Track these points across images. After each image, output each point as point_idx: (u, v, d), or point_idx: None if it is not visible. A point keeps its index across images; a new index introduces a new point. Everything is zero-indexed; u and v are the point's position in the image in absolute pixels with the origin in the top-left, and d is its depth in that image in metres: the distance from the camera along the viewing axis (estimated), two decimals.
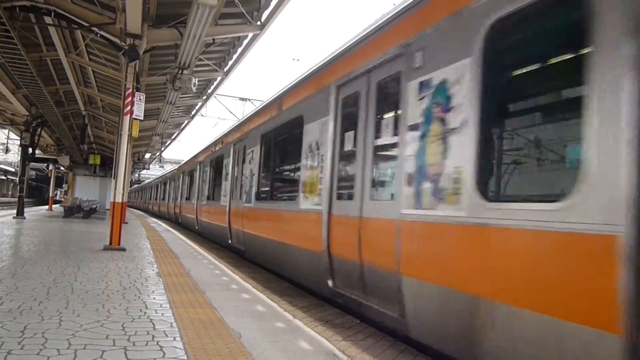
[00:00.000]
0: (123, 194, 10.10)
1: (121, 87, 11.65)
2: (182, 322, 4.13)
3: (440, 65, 4.02)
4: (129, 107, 9.63)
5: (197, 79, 12.64)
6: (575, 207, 2.67)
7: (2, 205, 37.82)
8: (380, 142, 5.05)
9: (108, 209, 21.75)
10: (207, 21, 8.52)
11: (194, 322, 4.13)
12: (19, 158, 22.89)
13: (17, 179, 24.05)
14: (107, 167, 29.10)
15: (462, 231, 3.60)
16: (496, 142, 3.74)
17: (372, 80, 5.23)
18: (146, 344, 3.44)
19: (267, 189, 9.31)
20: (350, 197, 5.47)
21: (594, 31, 2.69)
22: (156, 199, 37.03)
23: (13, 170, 57.93)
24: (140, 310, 4.44)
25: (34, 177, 55.41)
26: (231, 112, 27.47)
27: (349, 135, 5.71)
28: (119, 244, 9.38)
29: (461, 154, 3.65)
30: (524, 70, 3.79)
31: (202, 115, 26.45)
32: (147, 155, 37.18)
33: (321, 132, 6.34)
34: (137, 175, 58.19)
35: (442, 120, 3.90)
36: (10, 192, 67.08)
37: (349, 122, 5.77)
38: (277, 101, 8.85)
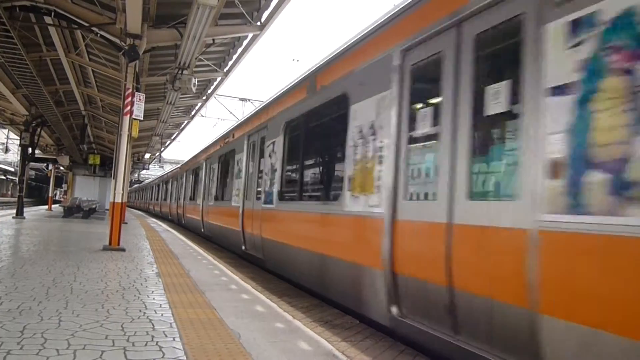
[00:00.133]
0: (123, 194, 10.09)
1: (121, 87, 11.65)
2: (182, 322, 4.13)
3: None
4: (128, 107, 9.63)
5: (197, 79, 12.63)
6: None
7: (1, 205, 37.79)
8: (487, 114, 3.61)
9: (107, 209, 21.77)
10: (207, 21, 8.52)
11: (193, 323, 4.13)
12: (19, 158, 22.88)
13: (17, 178, 24.04)
14: (106, 167, 29.10)
15: None
16: None
17: (466, 33, 3.88)
18: (145, 345, 3.44)
19: (295, 187, 7.84)
20: (430, 196, 4.12)
21: None
22: (157, 199, 35.70)
23: (13, 170, 57.91)
24: (140, 311, 4.44)
25: (33, 177, 55.37)
26: (231, 113, 27.48)
27: (424, 113, 4.36)
28: (118, 244, 9.38)
29: None
30: None
31: (202, 116, 26.46)
32: (147, 156, 37.16)
33: (378, 112, 4.95)
34: (136, 175, 58.14)
35: (628, 73, 2.59)
36: (9, 192, 67.05)
37: (423, 95, 4.50)
38: (308, 80, 7.29)
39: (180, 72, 11.52)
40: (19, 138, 21.94)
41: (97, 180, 31.66)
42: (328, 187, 6.85)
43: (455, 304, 3.67)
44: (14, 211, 19.52)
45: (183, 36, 9.81)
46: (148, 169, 49.78)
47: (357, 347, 4.54)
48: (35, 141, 20.46)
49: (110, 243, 9.38)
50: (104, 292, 5.18)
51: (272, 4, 10.71)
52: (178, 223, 23.48)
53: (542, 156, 3.03)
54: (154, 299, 5.05)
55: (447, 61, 4.06)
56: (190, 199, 19.44)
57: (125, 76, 10.07)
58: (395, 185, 4.50)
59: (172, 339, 3.63)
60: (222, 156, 13.86)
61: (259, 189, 9.30)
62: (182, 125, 27.43)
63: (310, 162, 7.81)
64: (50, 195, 33.79)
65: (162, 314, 4.38)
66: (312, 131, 7.63)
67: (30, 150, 20.13)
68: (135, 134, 10.01)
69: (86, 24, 10.32)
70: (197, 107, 22.29)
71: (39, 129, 20.29)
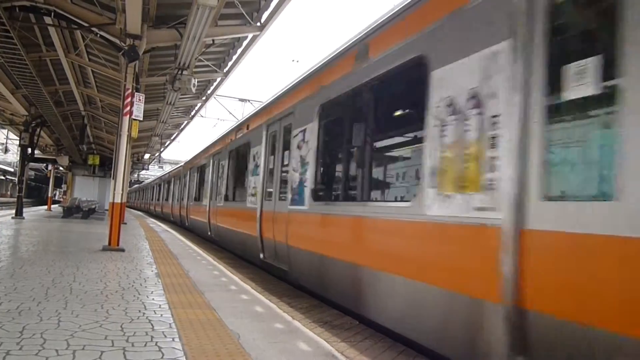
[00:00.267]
0: (122, 195, 10.09)
1: (121, 87, 11.65)
2: (181, 323, 4.13)
3: None
4: (128, 108, 9.63)
5: (196, 80, 12.64)
6: None
7: (1, 206, 37.77)
8: None
9: (107, 210, 21.74)
10: (207, 22, 8.53)
11: (192, 323, 4.13)
12: (18, 158, 22.87)
13: (16, 179, 24.03)
14: (106, 167, 29.10)
15: None
16: None
17: None
18: (145, 345, 3.44)
19: (337, 185, 6.60)
20: (600, 193, 2.81)
21: None
22: (158, 200, 34.01)
23: (12, 170, 57.89)
24: (139, 311, 4.44)
25: (33, 177, 55.36)
26: (230, 113, 27.49)
27: (582, 67, 2.86)
28: (117, 245, 9.37)
29: None
30: None
31: (202, 116, 26.46)
32: (147, 156, 37.17)
33: (486, 74, 3.51)
34: (136, 175, 58.10)
35: None
36: (9, 192, 67.02)
37: (575, 41, 3.18)
38: (358, 48, 5.75)
39: (180, 72, 11.53)
40: (18, 138, 21.94)
41: (96, 180, 31.68)
42: (390, 184, 5.67)
43: None
44: (14, 211, 19.51)
45: (183, 36, 9.82)
46: (148, 169, 49.77)
47: (356, 347, 4.54)
48: (35, 141, 20.46)
49: (109, 243, 9.37)
50: (103, 293, 5.17)
51: (272, 5, 10.74)
52: (181, 225, 21.94)
53: None
54: (153, 299, 5.05)
55: None
56: (195, 199, 18.03)
57: (124, 76, 10.07)
58: (525, 179, 3.06)
59: (171, 339, 3.63)
60: (234, 151, 12.31)
61: (283, 188, 7.87)
62: (182, 126, 27.45)
63: (362, 151, 5.82)
64: (49, 195, 33.76)
65: (161, 315, 4.38)
66: (363, 112, 5.94)
67: (29, 150, 20.13)
68: (134, 134, 10.01)
69: (86, 24, 10.33)
70: (196, 108, 22.31)
71: (38, 129, 20.29)
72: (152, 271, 7.00)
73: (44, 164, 39.54)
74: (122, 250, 9.23)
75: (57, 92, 17.56)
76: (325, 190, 6.67)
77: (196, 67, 13.53)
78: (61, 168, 36.09)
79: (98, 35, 10.63)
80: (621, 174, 2.50)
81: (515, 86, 3.20)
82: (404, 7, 4.86)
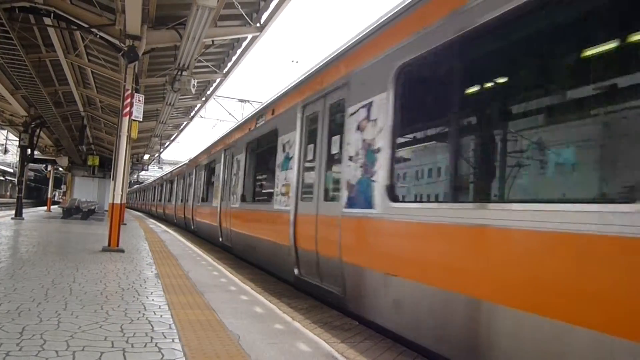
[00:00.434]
0: (122, 195, 10.09)
1: (120, 88, 11.66)
2: (181, 323, 4.13)
3: None
4: (128, 109, 9.63)
5: (196, 81, 12.65)
6: None
7: (0, 206, 37.77)
8: None
9: (107, 210, 21.74)
10: (207, 23, 8.53)
11: (192, 324, 4.13)
12: (18, 159, 22.87)
13: (16, 179, 24.03)
14: (105, 168, 29.13)
15: None
16: None
17: None
18: (145, 346, 3.44)
19: (442, 178, 4.42)
20: None
21: None
22: (160, 201, 31.87)
23: (12, 171, 57.88)
24: (139, 312, 4.44)
25: (32, 178, 55.37)
26: (230, 114, 27.49)
27: None
28: (117, 246, 9.37)
29: None
30: None
31: (201, 117, 26.47)
32: (146, 157, 37.17)
33: None
34: (135, 176, 58.07)
35: None
36: (8, 193, 67.01)
37: None
38: None
39: (179, 73, 11.53)
40: (18, 139, 21.93)
41: (96, 181, 31.72)
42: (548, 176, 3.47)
43: None
44: (13, 212, 19.50)
45: (182, 37, 9.83)
46: (147, 170, 49.78)
47: (356, 348, 4.54)
48: (35, 142, 20.47)
49: (109, 244, 9.37)
50: (103, 294, 5.17)
51: (272, 6, 10.75)
52: (185, 228, 20.00)
53: None
54: (153, 300, 5.04)
55: None
56: (203, 200, 16.07)
57: (124, 77, 10.08)
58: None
59: (171, 340, 3.63)
60: (254, 142, 10.42)
61: (333, 185, 6.14)
62: (182, 126, 27.46)
63: (485, 127, 4.02)
64: (49, 196, 33.76)
65: (161, 315, 4.38)
66: (489, 68, 4.01)
67: (29, 151, 20.13)
68: (134, 135, 10.01)
69: (85, 25, 10.34)
70: (196, 108, 22.33)
71: (38, 130, 20.30)
72: (151, 272, 7.00)
73: (44, 165, 39.49)
74: (122, 251, 9.22)
75: (56, 93, 17.58)
76: (416, 186, 4.79)
77: (196, 67, 13.56)
78: (61, 169, 36.14)
79: (98, 36, 10.65)
80: None
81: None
82: None
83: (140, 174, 57.07)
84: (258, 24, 11.31)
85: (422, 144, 5.00)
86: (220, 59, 15.09)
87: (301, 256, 6.81)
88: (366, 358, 4.29)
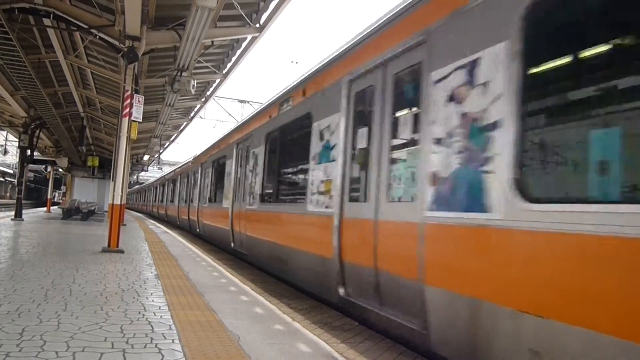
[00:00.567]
0: (121, 196, 10.09)
1: (120, 89, 11.67)
2: (181, 324, 4.13)
3: None
4: (127, 109, 9.63)
5: (195, 81, 12.65)
6: None
7: (0, 207, 37.76)
8: None
9: (106, 211, 21.73)
10: (206, 23, 8.54)
11: (192, 325, 4.13)
12: (18, 160, 22.87)
13: (16, 180, 24.03)
14: (105, 169, 29.13)
15: None
16: None
17: None
18: (145, 347, 3.44)
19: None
20: None
21: None
22: (162, 201, 30.38)
23: (11, 172, 57.88)
24: (139, 313, 4.44)
25: (32, 179, 55.36)
26: (230, 115, 27.50)
27: None
28: (117, 246, 9.37)
29: None
30: None
31: (201, 117, 26.47)
32: (146, 157, 37.16)
33: None
34: (135, 177, 58.02)
35: None
36: (8, 194, 66.99)
37: None
38: None
39: (179, 73, 11.54)
40: (17, 140, 21.94)
41: (95, 182, 31.72)
42: None
43: None
44: (13, 213, 19.49)
45: (182, 38, 9.83)
46: (147, 170, 49.77)
47: (356, 348, 4.54)
48: (34, 143, 20.47)
49: (109, 245, 9.36)
50: (102, 294, 5.17)
51: (271, 6, 10.75)
52: (190, 231, 18.68)
53: None
54: (153, 301, 5.04)
55: None
56: (211, 200, 14.63)
57: (124, 78, 10.08)
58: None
59: (171, 341, 3.63)
60: (276, 133, 8.75)
61: (405, 180, 4.65)
62: (181, 127, 27.45)
63: None
64: (49, 197, 33.76)
65: (161, 316, 4.38)
66: None
67: (29, 152, 20.14)
68: (134, 135, 10.01)
69: (85, 26, 10.34)
70: (196, 109, 22.32)
71: (37, 131, 20.30)
72: (151, 273, 7.00)
73: (43, 166, 39.51)
74: (122, 251, 9.22)
75: (56, 94, 17.57)
76: (576, 180, 3.11)
77: (195, 68, 13.56)
78: (60, 170, 36.14)
79: (97, 37, 10.65)
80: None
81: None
82: None
83: (139, 174, 57.00)
84: (257, 25, 11.30)
85: (582, 113, 3.11)
86: (220, 59, 15.09)
87: (349, 272, 5.34)
88: (366, 358, 4.29)
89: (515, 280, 3.11)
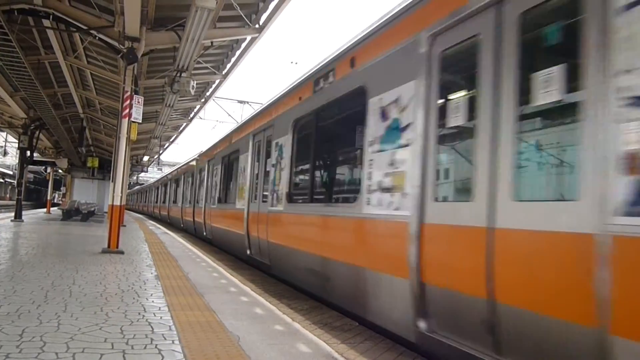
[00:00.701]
0: (121, 197, 10.09)
1: (119, 90, 11.67)
2: (181, 325, 4.12)
3: None
4: (127, 110, 9.63)
5: (195, 82, 12.66)
6: None
7: (0, 208, 37.75)
8: None
9: (106, 212, 21.71)
10: (206, 24, 8.54)
11: (192, 325, 4.13)
12: (17, 161, 22.86)
13: (16, 181, 24.02)
14: (105, 169, 29.10)
15: None
16: None
17: None
18: (145, 347, 3.44)
19: None
20: None
21: None
22: (164, 202, 29.00)
23: (11, 173, 57.86)
24: (139, 314, 4.44)
25: (32, 180, 55.35)
26: (229, 115, 27.51)
27: None
28: (117, 247, 9.36)
29: None
30: None
31: (201, 118, 26.47)
32: (146, 158, 37.16)
33: None
34: (135, 178, 57.98)
35: None
36: (8, 195, 66.97)
37: None
38: None
39: (178, 74, 11.54)
40: (17, 141, 21.94)
41: (95, 183, 31.71)
42: None
43: None
44: (13, 214, 19.49)
45: (181, 39, 9.83)
46: (147, 171, 49.74)
47: (356, 349, 4.54)
48: (34, 144, 20.46)
49: (109, 246, 9.36)
50: (102, 295, 5.17)
51: (271, 7, 10.75)
52: (195, 235, 17.31)
53: None
54: (153, 301, 5.04)
55: None
56: (220, 200, 13.15)
57: (123, 79, 10.08)
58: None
59: (171, 341, 3.63)
60: (308, 117, 7.20)
61: (531, 171, 3.76)
62: (181, 128, 27.45)
63: None
64: (48, 198, 33.76)
65: (161, 317, 4.38)
66: None
67: (28, 153, 20.13)
68: (133, 136, 10.01)
69: (84, 27, 10.34)
70: (195, 110, 22.32)
71: (37, 132, 20.29)
72: (151, 273, 6.99)
73: (43, 167, 39.52)
74: (122, 252, 9.22)
75: (55, 95, 17.57)
76: None
77: (195, 69, 13.55)
78: (60, 171, 36.12)
79: (97, 37, 10.64)
80: None
81: None
82: None
83: (139, 175, 56.95)
84: (257, 25, 11.30)
85: None
86: (220, 60, 15.09)
87: (436, 300, 3.89)
88: (366, 359, 4.29)
89: None
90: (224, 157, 13.22)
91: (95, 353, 3.22)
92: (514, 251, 3.19)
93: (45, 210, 31.46)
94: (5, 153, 37.74)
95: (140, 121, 10.07)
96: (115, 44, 10.29)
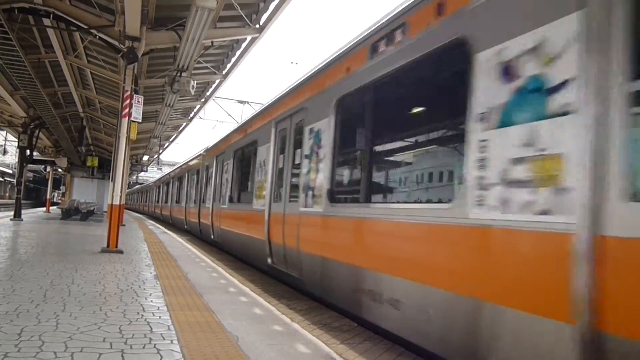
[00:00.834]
0: (121, 197, 10.09)
1: (119, 89, 11.67)
2: (180, 325, 4.12)
3: None
4: (127, 110, 9.63)
5: (195, 82, 12.65)
6: None
7: None
8: None
9: (106, 211, 21.69)
10: (206, 24, 8.53)
11: (191, 325, 4.12)
12: (17, 160, 22.85)
13: (15, 180, 24.01)
14: (104, 169, 29.09)
15: None
16: None
17: None
18: (143, 347, 3.43)
19: None
20: None
21: None
22: (166, 202, 27.50)
23: (11, 172, 57.84)
24: (138, 313, 4.43)
25: (31, 179, 55.30)
26: (229, 115, 27.51)
27: None
28: (116, 247, 9.36)
29: None
30: None
31: (201, 118, 26.46)
32: (145, 158, 37.16)
33: None
34: (135, 177, 57.94)
35: None
36: (7, 194, 66.93)
37: None
38: None
39: (179, 74, 11.53)
40: (17, 140, 21.93)
41: (95, 182, 31.70)
42: None
43: None
44: (12, 213, 19.48)
45: (182, 38, 9.83)
46: (146, 171, 49.74)
47: (355, 349, 4.54)
48: (34, 143, 20.47)
49: (108, 245, 9.35)
50: (101, 295, 5.16)
51: (271, 7, 10.75)
52: (201, 238, 15.99)
53: None
54: (152, 301, 5.04)
55: None
56: (232, 200, 11.71)
57: (123, 78, 10.08)
58: None
59: (170, 341, 3.62)
60: (358, 93, 5.67)
61: None
62: (181, 128, 27.46)
63: None
64: (48, 197, 33.74)
65: (160, 317, 4.37)
66: None
67: (28, 152, 20.13)
68: (133, 136, 10.01)
69: (85, 26, 10.34)
70: (195, 110, 22.32)
71: (37, 131, 20.29)
72: (150, 273, 6.99)
73: (43, 166, 39.51)
74: (121, 252, 9.21)
75: (55, 94, 17.57)
76: None
77: (195, 69, 13.55)
78: (60, 170, 36.10)
79: (97, 37, 10.65)
80: None
81: None
82: None
83: (139, 175, 56.90)
84: (257, 25, 11.31)
85: None
86: (220, 60, 15.09)
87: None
88: (365, 359, 4.29)
89: None
90: (237, 151, 11.76)
91: (93, 352, 3.21)
92: None
93: (44, 209, 31.44)
94: (5, 152, 37.75)
95: (140, 121, 10.06)
96: (116, 43, 10.29)
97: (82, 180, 31.76)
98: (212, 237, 13.52)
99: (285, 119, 8.06)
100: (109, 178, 13.06)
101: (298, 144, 7.25)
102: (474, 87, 3.64)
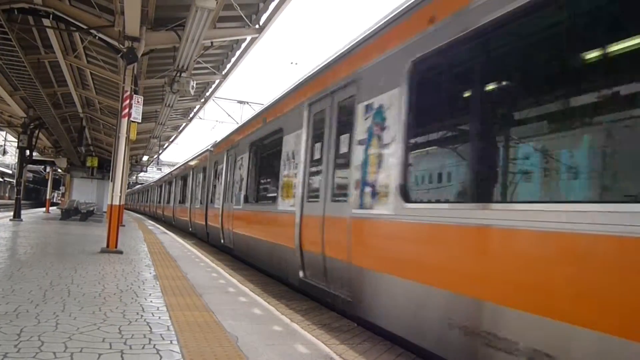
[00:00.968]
0: (120, 197, 10.08)
1: (119, 89, 11.66)
2: (179, 325, 4.12)
3: None
4: (127, 110, 9.63)
5: (195, 82, 12.64)
6: None
7: None
8: None
9: (105, 212, 21.68)
10: (206, 24, 8.53)
11: (191, 326, 4.12)
12: (17, 160, 22.84)
13: (15, 181, 23.99)
14: (104, 169, 29.08)
15: None
16: None
17: None
18: (143, 347, 3.43)
19: None
20: None
21: None
22: (169, 202, 26.20)
23: (10, 172, 57.81)
24: (137, 314, 4.43)
25: (31, 179, 55.28)
26: (229, 115, 27.54)
27: None
28: (116, 247, 9.35)
29: None
30: None
31: (200, 118, 26.47)
32: (145, 158, 37.14)
33: None
34: (134, 177, 57.89)
35: None
36: (7, 195, 66.89)
37: None
38: None
39: (178, 74, 11.53)
40: (16, 140, 21.92)
41: (94, 182, 31.68)
42: None
43: None
44: (12, 213, 19.47)
45: (181, 39, 9.82)
46: (146, 171, 49.69)
47: (355, 350, 4.54)
48: (33, 143, 20.45)
49: (107, 245, 9.35)
50: (101, 295, 5.16)
51: (271, 7, 10.75)
52: (209, 242, 14.54)
53: None
54: (151, 301, 5.03)
55: None
56: (248, 200, 10.33)
57: (123, 79, 10.08)
58: None
59: (169, 342, 3.62)
60: (451, 52, 4.06)
61: None
62: (181, 128, 27.44)
63: None
64: (47, 197, 33.72)
65: (159, 317, 4.37)
66: None
67: (28, 152, 20.12)
68: (133, 136, 10.01)
69: (84, 27, 10.34)
70: (195, 110, 22.32)
71: (36, 131, 20.28)
72: (150, 273, 6.99)
73: (42, 166, 39.49)
74: (121, 252, 9.21)
75: (55, 94, 17.56)
76: None
77: (195, 69, 13.56)
78: (59, 170, 36.08)
79: (97, 37, 10.64)
80: None
81: None
82: None
83: (139, 175, 56.85)
84: (257, 26, 11.30)
85: None
86: (220, 60, 15.09)
87: None
88: (365, 359, 4.29)
89: None
90: (254, 143, 10.25)
91: (93, 353, 3.21)
92: None
93: (44, 209, 31.43)
94: (4, 152, 37.73)
95: (140, 121, 10.06)
96: (115, 43, 10.28)
97: (82, 181, 31.75)
98: (221, 241, 12.15)
99: (323, 98, 6.56)
100: (109, 178, 13.06)
101: (344, 128, 5.82)
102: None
